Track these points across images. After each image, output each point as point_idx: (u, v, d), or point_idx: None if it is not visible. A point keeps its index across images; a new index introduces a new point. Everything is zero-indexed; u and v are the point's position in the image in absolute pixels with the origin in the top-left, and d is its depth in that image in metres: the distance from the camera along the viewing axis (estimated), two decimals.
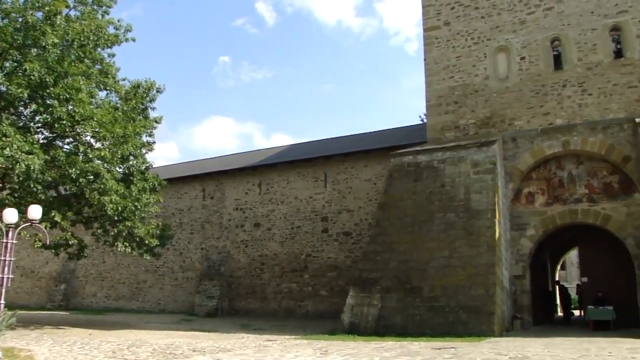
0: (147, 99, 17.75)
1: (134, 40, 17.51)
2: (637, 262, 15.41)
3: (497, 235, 15.22)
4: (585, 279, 17.98)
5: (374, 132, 25.65)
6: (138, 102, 17.39)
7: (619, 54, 16.88)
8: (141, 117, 17.57)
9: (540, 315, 18.73)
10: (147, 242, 17.04)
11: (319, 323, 18.75)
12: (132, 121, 16.80)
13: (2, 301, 10.06)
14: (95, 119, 15.18)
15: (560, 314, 24.95)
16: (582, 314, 19.96)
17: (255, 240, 24.75)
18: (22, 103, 15.67)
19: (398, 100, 74.37)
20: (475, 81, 18.25)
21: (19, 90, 14.21)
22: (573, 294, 26.17)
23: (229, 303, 24.70)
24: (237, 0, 77.96)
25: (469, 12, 18.82)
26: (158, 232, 17.76)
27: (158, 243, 17.72)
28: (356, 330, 14.97)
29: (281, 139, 79.12)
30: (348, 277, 20.88)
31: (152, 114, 18.16)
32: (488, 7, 18.58)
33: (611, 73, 16.64)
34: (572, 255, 33.65)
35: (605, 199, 16.37)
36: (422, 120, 27.34)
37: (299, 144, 28.64)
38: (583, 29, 17.21)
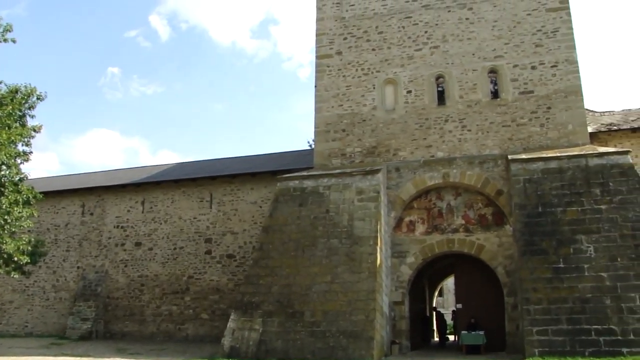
0: (26, 105, 16.58)
1: (14, 41, 16.35)
2: (507, 289, 16.33)
3: (378, 262, 15.59)
4: (459, 305, 18.72)
5: (262, 155, 25.68)
6: (15, 109, 16.26)
7: (495, 94, 18.03)
8: (18, 125, 16.44)
9: (417, 340, 19.26)
10: (16, 258, 15.86)
11: (199, 347, 18.33)
12: (7, 128, 15.66)
13: None
14: None
15: (437, 339, 25.74)
16: (456, 338, 20.72)
17: (136, 260, 23.77)
18: None
19: (288, 125, 75.13)
20: (364, 111, 18.80)
21: None
22: (449, 319, 27.12)
23: (105, 325, 23.41)
24: (130, 11, 75.92)
25: (360, 44, 19.47)
26: (29, 248, 16.51)
27: (29, 260, 16.49)
28: (236, 354, 14.75)
29: (168, 157, 77.36)
30: (231, 300, 20.55)
31: (31, 122, 17.03)
32: (379, 41, 19.30)
33: (488, 112, 17.76)
34: (449, 283, 34.95)
35: (480, 230, 17.30)
36: (310, 145, 27.70)
37: (186, 162, 28.04)
38: (465, 69, 18.31)
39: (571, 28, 17.93)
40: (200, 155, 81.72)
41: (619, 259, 14.02)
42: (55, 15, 73.85)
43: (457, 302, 20.31)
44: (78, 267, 24.73)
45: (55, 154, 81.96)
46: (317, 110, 19.21)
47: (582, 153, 16.15)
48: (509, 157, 16.69)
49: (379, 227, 16.20)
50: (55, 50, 73.82)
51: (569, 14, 18.05)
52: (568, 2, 18.17)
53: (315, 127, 19.13)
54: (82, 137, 77.74)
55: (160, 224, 23.78)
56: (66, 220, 25.45)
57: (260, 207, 22.14)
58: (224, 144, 75.13)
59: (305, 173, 18.06)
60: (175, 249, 23.30)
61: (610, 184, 15.36)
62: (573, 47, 17.77)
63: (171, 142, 77.80)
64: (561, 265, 14.35)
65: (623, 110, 21.59)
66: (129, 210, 24.50)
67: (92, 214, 25.10)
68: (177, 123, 75.59)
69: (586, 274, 14.04)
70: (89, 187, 25.43)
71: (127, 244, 24.14)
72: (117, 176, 26.80)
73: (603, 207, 15.03)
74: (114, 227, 24.51)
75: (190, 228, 23.25)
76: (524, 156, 16.57)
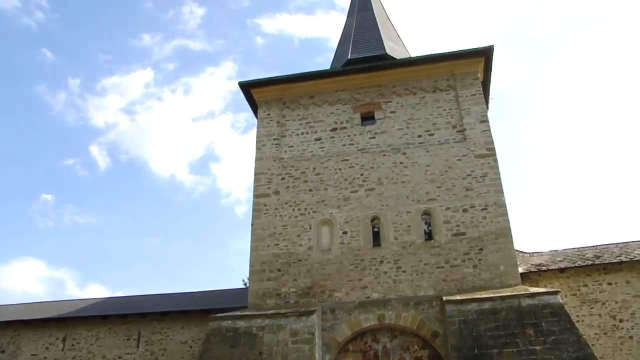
0: None
1: None
2: None
3: None
4: None
5: (195, 292, 24.85)
6: None
7: (429, 236, 18.38)
8: None
9: None
10: None
11: None
12: None
13: None
14: None
15: None
16: None
17: None
18: None
19: (223, 261, 73.89)
20: (299, 250, 18.72)
21: None
22: None
23: None
24: (70, 139, 75.58)
25: (298, 184, 19.81)
26: None
27: None
28: None
29: (97, 290, 73.91)
30: None
31: None
32: (316, 182, 19.71)
33: (423, 253, 17.98)
34: None
35: None
36: (245, 283, 27.22)
37: (114, 297, 26.80)
38: (399, 211, 18.73)
39: (498, 173, 18.81)
40: (131, 290, 78.48)
41: None
42: None
43: None
44: None
45: None
46: (253, 249, 19.02)
47: (514, 294, 16.29)
48: (444, 298, 16.70)
49: None
50: None
51: (495, 161, 19.03)
52: (495, 150, 19.21)
53: (250, 266, 18.83)
54: (5, 266, 74.01)
55: None
56: None
57: (191, 347, 21.08)
58: (157, 279, 72.75)
59: (238, 313, 17.50)
60: None
61: (543, 324, 15.43)
62: (501, 191, 18.54)
63: (101, 275, 74.80)
64: None
65: (550, 251, 22.38)
66: (47, 348, 22.75)
67: (3, 351, 23.07)
68: (109, 255, 73.08)
69: None
70: (3, 320, 23.66)
71: None
72: (38, 309, 25.19)
73: (537, 347, 14.98)
74: None
75: None
76: (458, 297, 16.61)
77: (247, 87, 22.06)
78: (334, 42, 40.61)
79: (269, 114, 21.62)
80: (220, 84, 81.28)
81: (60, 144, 74.74)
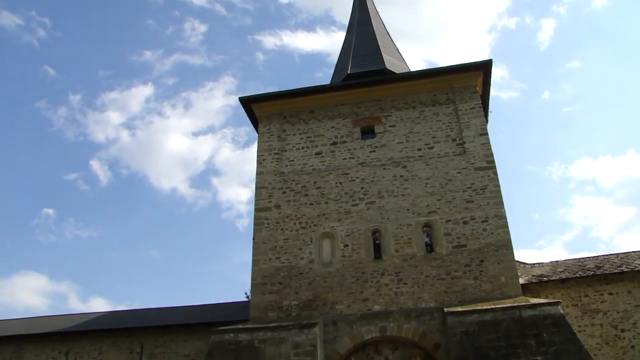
0: None
1: None
2: None
3: None
4: None
5: (197, 305, 25.02)
6: None
7: (430, 248, 18.50)
8: None
9: None
10: None
11: None
12: None
13: None
14: None
15: None
16: None
17: None
18: None
19: (225, 274, 73.91)
20: (301, 264, 18.86)
21: None
22: None
23: None
24: (71, 154, 75.93)
25: (299, 198, 19.99)
26: None
27: None
28: None
29: (99, 304, 73.76)
30: None
31: None
32: (317, 196, 19.90)
33: (424, 265, 18.09)
34: None
35: None
36: (247, 296, 27.27)
37: (117, 311, 26.96)
38: (400, 224, 18.88)
39: (498, 185, 18.97)
40: (133, 303, 78.38)
41: None
42: None
43: None
44: None
45: None
46: (255, 262, 19.16)
47: (515, 305, 16.32)
48: (445, 309, 16.75)
49: None
50: None
51: (495, 173, 19.19)
52: (494, 162, 19.39)
53: (252, 280, 18.94)
54: (7, 281, 73.97)
55: None
56: None
57: None
58: (159, 293, 72.71)
59: (240, 326, 17.59)
60: None
61: (545, 334, 15.46)
62: (501, 202, 18.68)
63: (103, 289, 74.77)
64: None
65: (551, 261, 22.47)
66: None
67: None
68: (111, 269, 73.19)
69: None
70: (6, 335, 23.75)
71: None
72: (40, 324, 25.29)
73: (539, 358, 15.00)
74: None
75: None
76: (459, 309, 16.65)
77: (248, 102, 22.28)
78: (334, 57, 40.90)
79: (269, 129, 21.83)
80: (220, 98, 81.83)
81: (61, 159, 75.13)
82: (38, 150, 73.03)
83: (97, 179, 76.29)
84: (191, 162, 77.82)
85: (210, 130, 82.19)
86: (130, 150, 76.18)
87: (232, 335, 17.25)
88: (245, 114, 22.83)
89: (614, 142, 65.34)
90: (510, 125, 65.86)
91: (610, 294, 19.60)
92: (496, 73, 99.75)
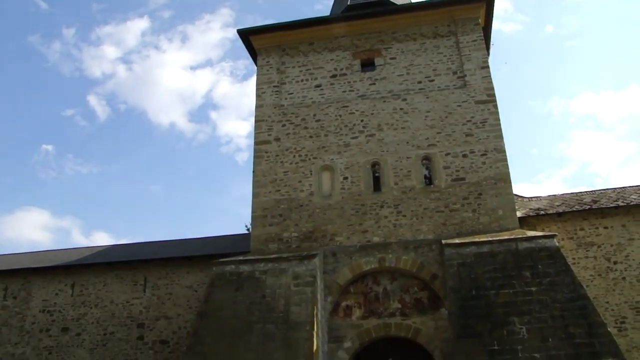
0: None
1: None
2: None
3: (314, 347, 15.33)
4: None
5: (198, 238, 25.35)
6: None
7: (429, 181, 18.63)
8: None
9: None
10: None
11: None
12: None
13: None
14: None
15: None
16: None
17: (62, 347, 22.43)
18: None
19: (225, 208, 74.56)
20: (301, 196, 19.02)
21: None
22: None
23: None
24: (68, 90, 75.18)
25: (298, 131, 19.97)
26: None
27: None
28: None
29: (102, 238, 74.77)
30: None
31: None
32: (317, 128, 19.87)
33: (422, 198, 18.26)
34: None
35: (416, 314, 17.35)
36: (247, 229, 27.60)
37: (120, 245, 27.30)
38: (400, 157, 18.94)
39: (498, 119, 18.93)
40: (135, 237, 79.56)
41: (550, 340, 14.21)
42: None
43: None
44: None
45: None
46: (255, 195, 19.31)
47: (512, 237, 16.61)
48: (443, 241, 17.05)
49: (315, 312, 16.04)
50: None
51: (495, 106, 19.12)
52: (495, 96, 19.29)
53: (252, 212, 19.14)
54: (10, 216, 74.78)
55: (91, 308, 22.80)
56: None
57: (196, 291, 21.66)
58: (160, 227, 73.64)
59: (241, 257, 17.91)
60: (105, 334, 22.24)
61: (539, 266, 15.79)
62: (501, 136, 18.70)
63: (105, 223, 75.65)
64: (496, 348, 14.39)
65: (549, 195, 22.68)
66: (57, 294, 23.41)
67: (15, 297, 23.80)
68: (112, 204, 73.83)
69: (520, 355, 14.10)
70: (13, 268, 24.25)
71: (52, 329, 22.86)
72: (46, 258, 25.74)
73: (533, 289, 15.36)
74: (39, 311, 23.26)
75: (123, 312, 22.38)
76: (457, 241, 16.96)
77: (246, 35, 21.92)
78: None
79: (268, 62, 21.59)
80: (217, 31, 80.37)
81: (58, 94, 74.45)
82: (34, 86, 72.41)
83: (95, 115, 75.90)
84: (189, 97, 77.23)
85: (208, 63, 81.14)
86: (127, 85, 75.44)
87: (233, 266, 17.58)
88: (244, 47, 22.50)
89: (616, 76, 64.73)
90: (512, 59, 64.96)
91: (605, 227, 19.89)
92: (499, 5, 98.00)
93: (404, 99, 19.79)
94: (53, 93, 73.82)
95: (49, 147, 75.26)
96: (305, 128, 19.98)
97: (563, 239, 19.61)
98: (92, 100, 75.08)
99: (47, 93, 73.27)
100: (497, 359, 14.26)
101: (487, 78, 19.60)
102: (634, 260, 19.24)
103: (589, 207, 20.22)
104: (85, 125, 74.70)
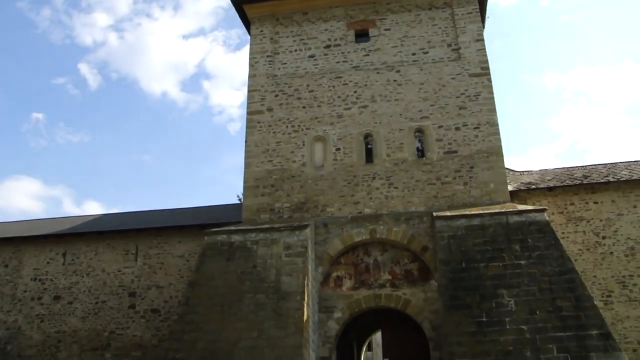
0: None
1: None
2: (433, 343, 16.48)
3: (305, 317, 15.48)
4: None
5: (190, 208, 25.38)
6: None
7: (422, 153, 18.65)
8: None
9: None
10: None
11: None
12: None
13: None
14: None
15: None
16: None
17: (53, 315, 22.54)
18: None
19: (217, 178, 74.62)
20: (293, 167, 19.00)
21: None
22: None
23: None
24: (58, 58, 74.37)
25: (291, 102, 19.87)
26: None
27: None
28: None
29: (93, 207, 74.93)
30: (154, 356, 19.88)
31: None
32: (309, 99, 19.78)
33: (414, 170, 18.29)
34: (378, 337, 34.97)
35: (406, 285, 17.48)
36: (239, 199, 27.61)
37: (111, 214, 27.30)
38: (392, 129, 18.91)
39: (492, 92, 18.91)
40: (126, 206, 79.55)
41: (537, 312, 14.41)
42: None
43: (384, 356, 20.38)
44: None
45: None
46: (247, 165, 19.28)
47: (502, 211, 16.72)
48: (434, 214, 17.13)
49: (306, 282, 16.16)
50: None
51: (489, 80, 19.07)
52: (489, 69, 19.24)
53: (244, 182, 19.13)
54: (1, 185, 74.49)
55: (82, 276, 22.84)
56: None
57: (188, 260, 21.73)
58: (152, 196, 73.68)
59: (233, 227, 17.95)
60: (97, 303, 22.31)
61: (529, 240, 15.94)
62: (494, 110, 18.70)
63: (97, 192, 75.60)
64: (484, 319, 14.61)
65: (540, 170, 22.79)
66: (48, 262, 23.42)
67: (6, 265, 23.79)
68: (103, 173, 73.73)
69: (508, 327, 14.32)
70: (5, 237, 24.21)
71: (44, 297, 22.93)
72: (38, 226, 25.69)
73: (523, 262, 15.52)
74: (31, 279, 23.28)
75: (114, 281, 22.43)
76: (448, 213, 17.03)
77: (240, 3, 21.63)
78: None
79: (262, 31, 21.37)
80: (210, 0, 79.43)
81: (48, 62, 73.64)
82: (23, 52, 71.52)
83: (86, 83, 75.28)
84: (182, 66, 76.65)
85: (200, 32, 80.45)
86: (119, 54, 74.73)
87: (224, 236, 17.63)
88: (237, 16, 22.26)
89: (610, 51, 64.66)
90: (507, 33, 64.70)
91: (595, 202, 20.04)
92: None
93: (398, 71, 19.70)
94: (43, 61, 73.08)
95: (40, 116, 74.79)
96: (299, 98, 19.88)
97: (553, 213, 19.75)
98: (83, 68, 74.46)
99: (38, 60, 72.53)
100: (486, 331, 14.45)
101: (482, 51, 19.52)
102: (622, 235, 19.44)
103: (580, 182, 20.34)
104: (77, 94, 74.17)
